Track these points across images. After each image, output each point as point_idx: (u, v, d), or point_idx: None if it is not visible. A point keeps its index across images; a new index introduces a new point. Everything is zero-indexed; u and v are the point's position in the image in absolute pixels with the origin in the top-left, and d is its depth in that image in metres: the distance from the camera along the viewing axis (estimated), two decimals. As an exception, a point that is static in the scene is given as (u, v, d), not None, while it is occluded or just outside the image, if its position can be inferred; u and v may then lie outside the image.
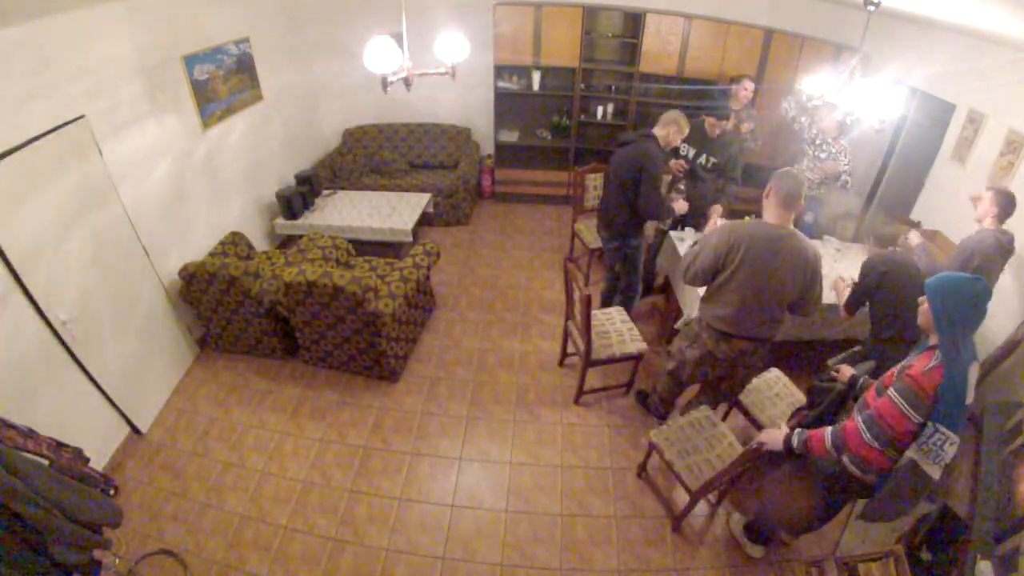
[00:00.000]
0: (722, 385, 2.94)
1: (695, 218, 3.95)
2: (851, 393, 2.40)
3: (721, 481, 2.56)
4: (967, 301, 1.78)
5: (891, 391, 1.84)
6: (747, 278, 2.45)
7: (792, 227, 2.46)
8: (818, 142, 4.03)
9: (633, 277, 3.80)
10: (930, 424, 1.77)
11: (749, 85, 4.32)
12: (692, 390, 3.32)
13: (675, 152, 3.99)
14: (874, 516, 2.09)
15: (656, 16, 4.96)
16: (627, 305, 3.81)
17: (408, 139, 5.88)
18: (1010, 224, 2.89)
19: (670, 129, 3.35)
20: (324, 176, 5.31)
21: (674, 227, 3.99)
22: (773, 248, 2.40)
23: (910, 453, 1.84)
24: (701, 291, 3.00)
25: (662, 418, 3.36)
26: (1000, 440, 2.72)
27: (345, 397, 3.59)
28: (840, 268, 3.69)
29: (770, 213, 2.46)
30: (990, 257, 2.82)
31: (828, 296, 3.32)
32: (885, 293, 2.75)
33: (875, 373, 2.65)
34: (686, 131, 3.43)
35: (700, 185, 3.97)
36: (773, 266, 2.41)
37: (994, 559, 2.11)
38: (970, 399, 1.77)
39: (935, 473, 1.80)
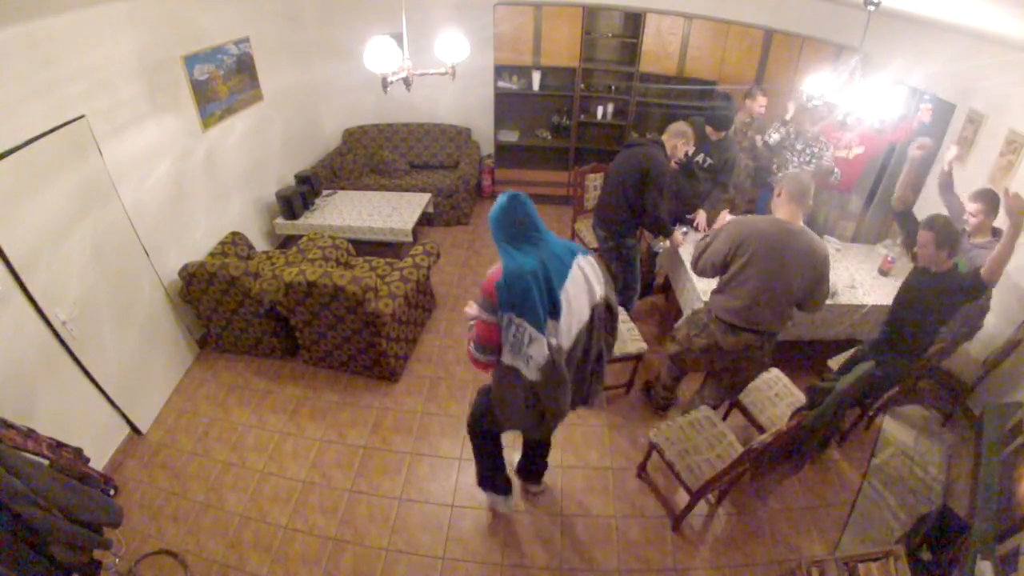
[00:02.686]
0: (725, 379, 2.94)
1: (689, 215, 3.97)
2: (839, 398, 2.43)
3: (721, 481, 2.56)
4: (496, 217, 1.92)
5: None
6: (757, 273, 2.49)
7: (802, 224, 2.50)
8: (799, 147, 4.04)
9: (630, 277, 3.80)
10: (504, 316, 1.89)
11: (763, 100, 4.21)
12: (695, 381, 3.32)
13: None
14: (497, 426, 2.37)
15: (656, 16, 4.96)
16: (626, 304, 3.81)
17: (408, 139, 5.88)
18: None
19: (678, 141, 3.38)
20: (324, 176, 5.30)
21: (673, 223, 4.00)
22: (782, 244, 2.45)
23: (504, 358, 1.99)
24: (704, 283, 3.01)
25: (664, 408, 3.38)
26: (1000, 440, 2.73)
27: (345, 397, 3.59)
28: (840, 268, 3.70)
29: (781, 210, 2.53)
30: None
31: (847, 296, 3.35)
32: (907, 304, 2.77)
33: (875, 376, 2.65)
34: (692, 143, 3.45)
35: (695, 184, 3.97)
36: (782, 262, 2.46)
37: (994, 559, 2.11)
38: (562, 293, 1.91)
39: (531, 375, 1.94)
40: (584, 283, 2.00)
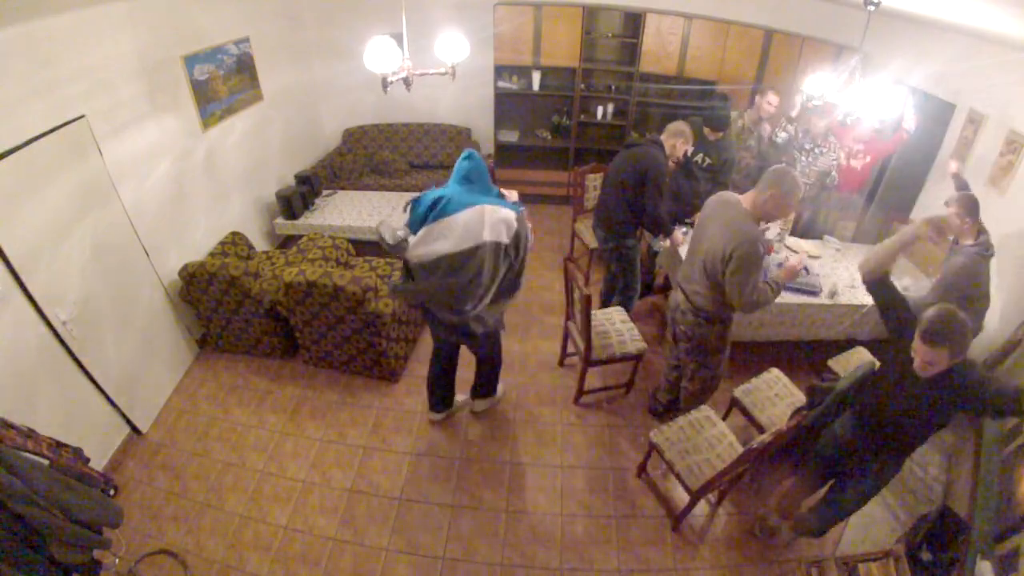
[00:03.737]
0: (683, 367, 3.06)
1: (689, 216, 3.97)
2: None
3: (721, 481, 2.56)
4: (457, 162, 2.58)
5: None
6: (694, 235, 2.73)
7: (745, 207, 2.46)
8: (808, 147, 4.05)
9: (630, 277, 3.80)
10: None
11: (774, 99, 4.12)
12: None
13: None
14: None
15: (656, 16, 4.96)
16: (626, 305, 3.81)
17: (408, 139, 5.88)
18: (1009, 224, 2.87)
19: (676, 140, 3.38)
20: (324, 176, 5.30)
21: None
22: (711, 213, 2.59)
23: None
24: None
25: (662, 415, 3.38)
26: (1000, 440, 2.72)
27: (345, 397, 3.59)
28: (840, 268, 3.70)
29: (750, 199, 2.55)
30: (975, 278, 2.67)
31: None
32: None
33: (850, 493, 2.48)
34: (690, 142, 3.44)
35: (695, 184, 3.97)
36: (707, 231, 2.57)
37: (994, 559, 2.11)
38: (451, 218, 2.42)
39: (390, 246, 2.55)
40: (476, 222, 2.42)
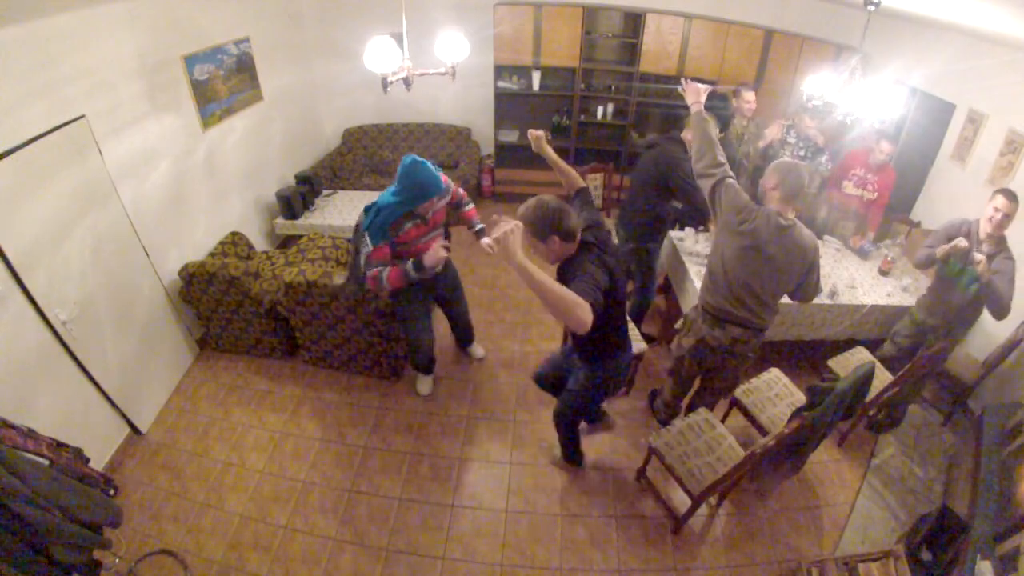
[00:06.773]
0: (716, 381, 2.92)
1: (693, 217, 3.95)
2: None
3: (723, 484, 2.55)
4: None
5: None
6: (748, 263, 2.48)
7: (793, 217, 2.47)
8: (791, 141, 4.06)
9: (648, 279, 3.69)
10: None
11: (749, 96, 4.08)
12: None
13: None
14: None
15: (656, 16, 4.96)
16: (643, 308, 3.79)
17: (408, 139, 5.88)
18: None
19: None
20: (324, 176, 5.30)
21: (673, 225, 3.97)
22: (779, 239, 2.44)
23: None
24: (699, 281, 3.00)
25: (665, 423, 3.37)
26: (1000, 440, 2.73)
27: (345, 397, 3.59)
28: (840, 268, 3.70)
29: (774, 203, 2.48)
30: None
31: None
32: None
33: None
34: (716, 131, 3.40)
35: None
36: (778, 257, 2.45)
37: (994, 559, 2.12)
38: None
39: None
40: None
